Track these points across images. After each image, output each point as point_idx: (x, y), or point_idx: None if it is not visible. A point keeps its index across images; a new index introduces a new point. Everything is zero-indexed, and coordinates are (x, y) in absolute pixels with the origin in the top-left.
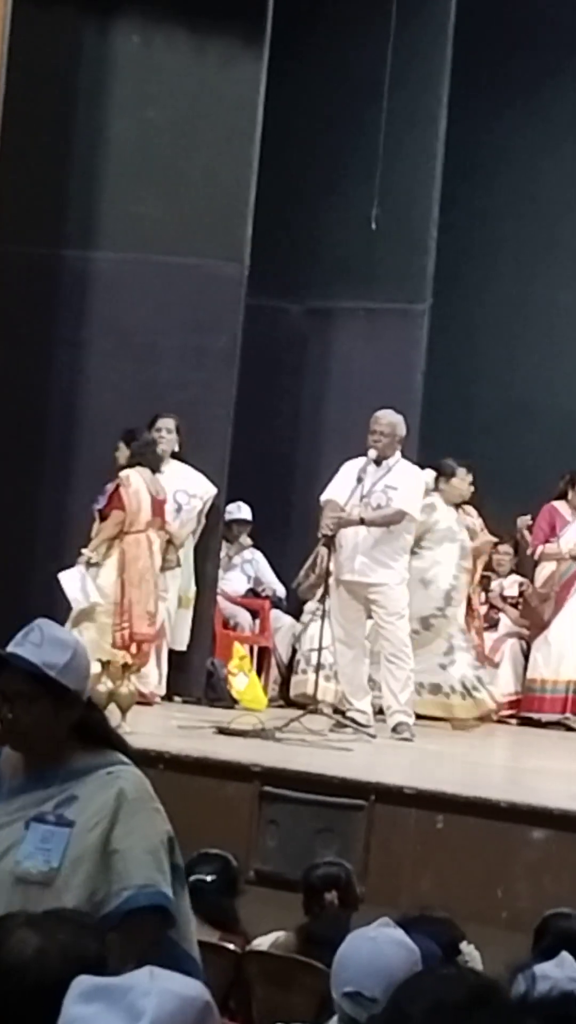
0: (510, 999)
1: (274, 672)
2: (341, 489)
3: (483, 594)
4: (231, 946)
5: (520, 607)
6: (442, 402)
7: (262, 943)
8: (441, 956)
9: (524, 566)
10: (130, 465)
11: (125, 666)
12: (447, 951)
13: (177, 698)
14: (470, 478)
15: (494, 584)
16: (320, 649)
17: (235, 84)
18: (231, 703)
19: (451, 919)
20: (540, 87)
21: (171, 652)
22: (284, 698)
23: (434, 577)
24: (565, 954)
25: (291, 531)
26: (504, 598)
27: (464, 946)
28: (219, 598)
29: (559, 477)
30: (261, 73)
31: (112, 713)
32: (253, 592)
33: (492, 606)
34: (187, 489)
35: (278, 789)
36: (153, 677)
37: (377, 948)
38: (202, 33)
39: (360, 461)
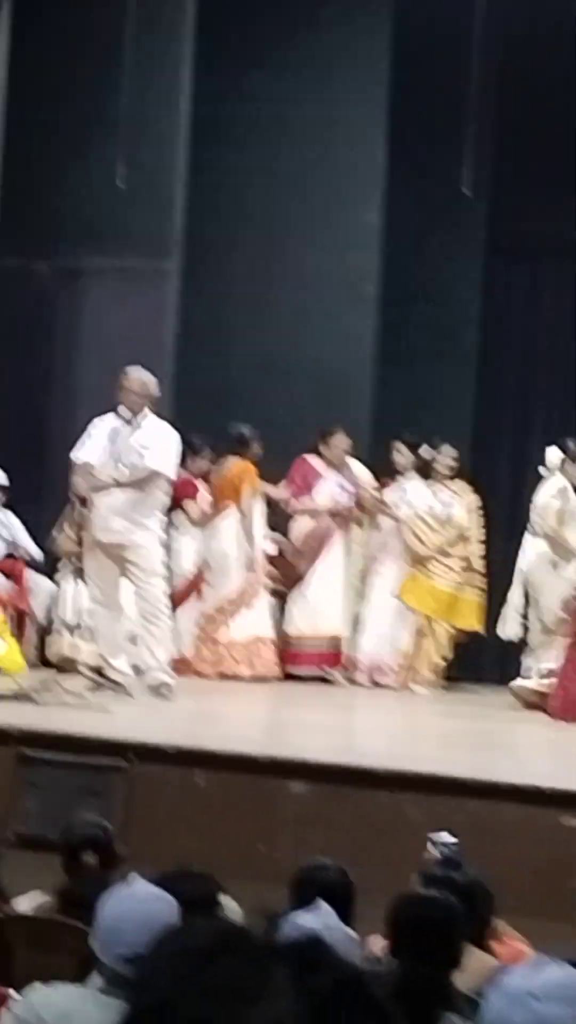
0: (258, 944)
1: (31, 635)
2: (93, 450)
3: None
4: None
5: (275, 563)
6: (196, 360)
7: (19, 903)
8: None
9: (275, 520)
10: None
11: None
12: (205, 904)
13: None
14: None
15: None
16: (78, 611)
17: None
18: None
19: (210, 874)
20: (286, 44)
21: None
22: (42, 660)
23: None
24: (321, 902)
25: (45, 492)
26: None
27: (222, 898)
28: None
29: (316, 433)
30: (2, 34)
31: None
32: (9, 555)
33: None
34: None
35: (37, 752)
36: None
37: (145, 907)
38: None
39: (111, 419)
